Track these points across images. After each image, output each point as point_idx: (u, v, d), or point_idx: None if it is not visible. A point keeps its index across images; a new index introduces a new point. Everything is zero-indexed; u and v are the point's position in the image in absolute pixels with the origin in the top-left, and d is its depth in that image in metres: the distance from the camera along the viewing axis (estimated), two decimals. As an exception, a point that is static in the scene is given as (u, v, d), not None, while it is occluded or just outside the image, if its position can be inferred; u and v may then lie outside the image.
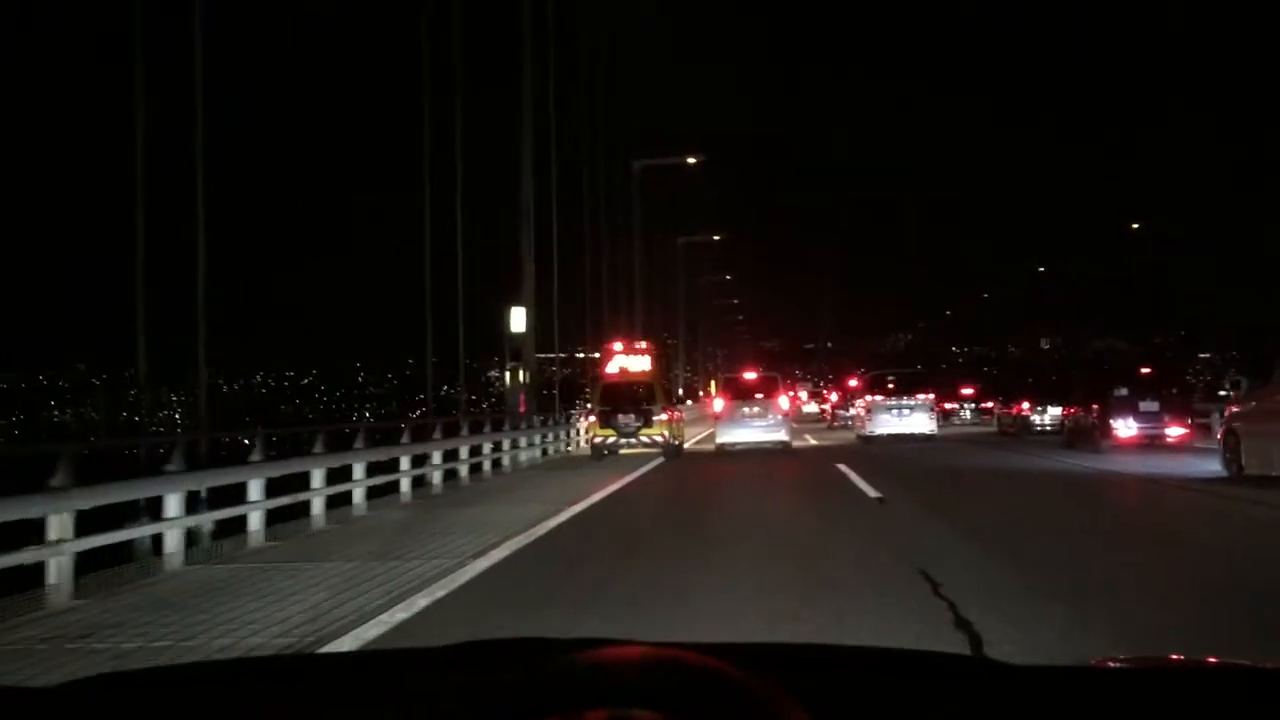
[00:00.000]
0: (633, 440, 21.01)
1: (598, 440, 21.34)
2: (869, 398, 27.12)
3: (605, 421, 21.16)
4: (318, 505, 10.90)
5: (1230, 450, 13.51)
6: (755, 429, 22.33)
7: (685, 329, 55.31)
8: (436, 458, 14.65)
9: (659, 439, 21.04)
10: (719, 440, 22.79)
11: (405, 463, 13.43)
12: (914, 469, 17.85)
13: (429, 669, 1.15)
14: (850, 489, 13.32)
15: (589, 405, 24.25)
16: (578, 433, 25.10)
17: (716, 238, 50.83)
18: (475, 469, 16.84)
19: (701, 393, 49.73)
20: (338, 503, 11.83)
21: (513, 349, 21.30)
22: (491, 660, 1.09)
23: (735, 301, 76.84)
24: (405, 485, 13.50)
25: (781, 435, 22.46)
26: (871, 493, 12.47)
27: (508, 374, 21.31)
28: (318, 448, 11.00)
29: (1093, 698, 1.02)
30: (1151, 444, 19.59)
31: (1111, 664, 1.32)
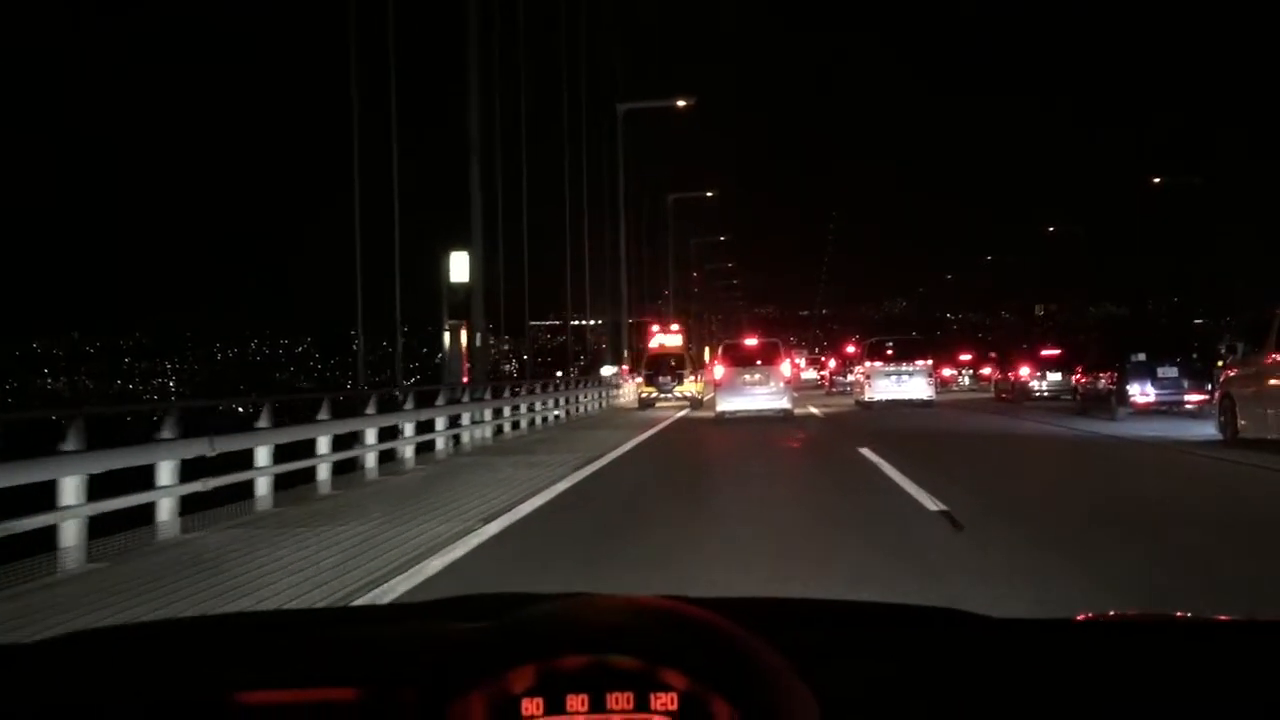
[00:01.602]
0: (668, 395, 27.68)
1: (644, 395, 27.98)
2: (868, 364, 26.84)
3: (649, 381, 28.01)
4: (70, 533, 6.72)
5: (1226, 414, 13.33)
6: (757, 397, 21.07)
7: (676, 292, 50.94)
8: (323, 445, 10.50)
9: (687, 395, 27.61)
10: (719, 408, 21.42)
11: (263, 457, 9.27)
12: (951, 452, 13.96)
13: (409, 621, 1.09)
14: (896, 494, 9.07)
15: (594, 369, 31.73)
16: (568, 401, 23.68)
17: (709, 194, 46.21)
18: (387, 456, 12.71)
19: (693, 359, 45.81)
20: (135, 521, 7.71)
21: (454, 303, 17.03)
22: (475, 612, 0.97)
23: (730, 265, 72.45)
24: (263, 487, 9.34)
25: (784, 403, 21.14)
26: (929, 503, 8.25)
27: (446, 334, 17.03)
28: (69, 443, 6.77)
29: (1074, 651, 0.99)
30: (1170, 411, 18.24)
31: (1095, 618, 1.24)
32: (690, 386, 27.74)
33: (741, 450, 14.32)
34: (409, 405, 13.00)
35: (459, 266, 16.78)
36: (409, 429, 12.94)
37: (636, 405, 28.29)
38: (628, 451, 14.46)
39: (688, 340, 34.96)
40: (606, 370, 33.52)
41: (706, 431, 19.09)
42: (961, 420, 20.93)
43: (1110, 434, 15.42)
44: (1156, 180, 42.08)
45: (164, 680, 0.89)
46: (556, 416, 21.99)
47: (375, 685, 0.80)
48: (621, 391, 31.67)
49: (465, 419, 15.44)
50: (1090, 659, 0.95)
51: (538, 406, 20.07)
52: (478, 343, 17.19)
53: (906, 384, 25.64)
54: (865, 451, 12.87)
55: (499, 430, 17.67)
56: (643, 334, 37.04)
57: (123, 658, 0.97)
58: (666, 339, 31.56)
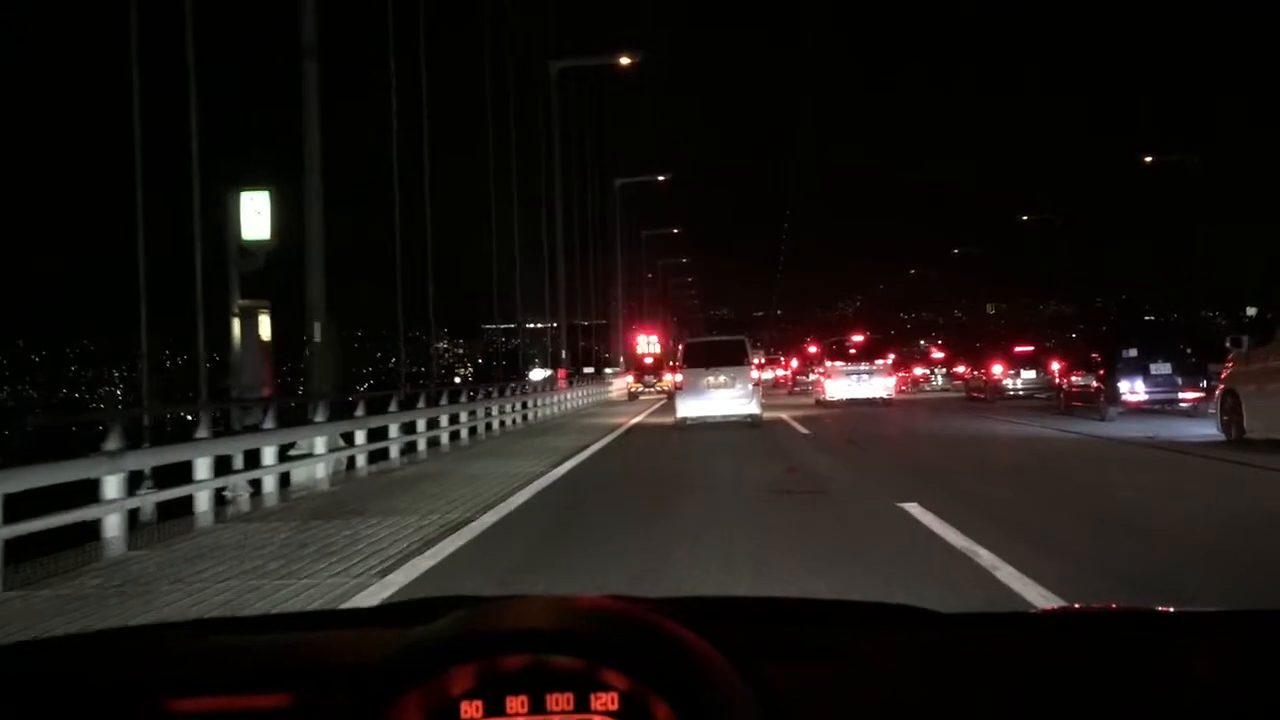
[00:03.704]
0: (650, 389, 35.44)
1: (633, 389, 36.39)
2: (829, 363, 26.52)
3: (637, 379, 37.28)
4: None
5: (1228, 413, 12.23)
6: (722, 401, 18.12)
7: (624, 288, 45.09)
8: None
9: (664, 389, 32.09)
10: (679, 414, 18.20)
11: None
12: (1003, 487, 8.35)
13: (354, 625, 1.05)
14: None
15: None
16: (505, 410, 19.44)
17: (661, 178, 40.27)
18: (88, 533, 6.83)
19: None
20: None
21: (247, 273, 10.71)
22: (414, 616, 0.91)
23: (685, 260, 66.64)
24: None
25: (752, 408, 18.11)
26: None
27: (236, 321, 10.77)
28: None
29: (1031, 644, 0.95)
30: (1162, 409, 17.17)
31: (1054, 611, 1.21)
32: (667, 382, 31.32)
33: (703, 514, 8.34)
34: (113, 444, 7.01)
35: (252, 213, 10.42)
36: (113, 486, 6.98)
37: (625, 398, 34.99)
38: (519, 508, 8.59)
39: (664, 344, 42.33)
40: (536, 374, 27.50)
41: (656, 456, 13.45)
42: (960, 427, 17.50)
43: (1127, 437, 13.46)
44: (1149, 159, 36.88)
45: (94, 688, 0.84)
46: (457, 434, 16.08)
47: (309, 690, 0.76)
48: (555, 400, 25.47)
49: (268, 456, 9.46)
50: (1048, 652, 0.91)
51: (421, 426, 14.04)
52: (317, 336, 11.21)
53: (866, 383, 25.33)
54: (914, 511, 7.19)
55: (350, 465, 11.72)
56: (585, 336, 41.96)
57: (52, 667, 0.91)
58: (649, 346, 39.78)
